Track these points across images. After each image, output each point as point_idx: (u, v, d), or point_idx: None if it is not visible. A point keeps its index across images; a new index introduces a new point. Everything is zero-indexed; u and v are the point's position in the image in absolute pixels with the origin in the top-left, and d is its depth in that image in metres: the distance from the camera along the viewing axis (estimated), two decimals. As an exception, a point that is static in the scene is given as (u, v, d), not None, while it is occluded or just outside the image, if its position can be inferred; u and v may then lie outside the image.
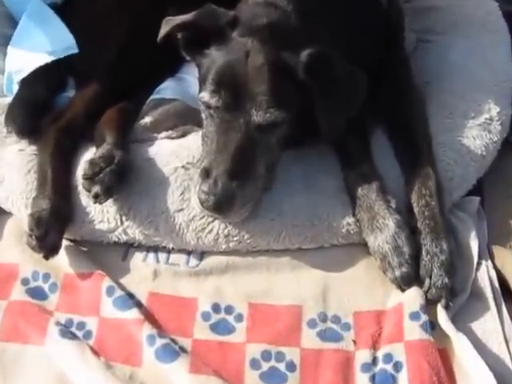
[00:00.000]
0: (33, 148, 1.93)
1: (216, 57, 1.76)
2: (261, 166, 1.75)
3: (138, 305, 1.73)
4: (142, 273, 1.81)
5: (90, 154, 1.89)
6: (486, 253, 1.84)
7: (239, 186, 1.68)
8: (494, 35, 2.27)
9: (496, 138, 1.99)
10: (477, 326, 1.69)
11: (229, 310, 1.73)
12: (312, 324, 1.70)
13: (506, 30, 2.30)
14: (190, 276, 1.80)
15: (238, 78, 1.71)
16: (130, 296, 1.75)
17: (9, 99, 2.01)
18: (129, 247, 1.86)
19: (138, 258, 1.84)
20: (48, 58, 1.95)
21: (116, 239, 1.84)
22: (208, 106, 1.75)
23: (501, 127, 2.01)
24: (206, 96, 1.74)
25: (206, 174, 1.70)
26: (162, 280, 1.79)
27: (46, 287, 1.78)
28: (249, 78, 1.70)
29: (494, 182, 2.04)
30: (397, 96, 2.00)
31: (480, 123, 1.99)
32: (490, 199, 2.01)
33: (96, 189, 1.74)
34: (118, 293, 1.73)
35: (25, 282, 1.79)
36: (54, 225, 1.75)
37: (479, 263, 1.80)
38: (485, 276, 1.77)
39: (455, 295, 1.71)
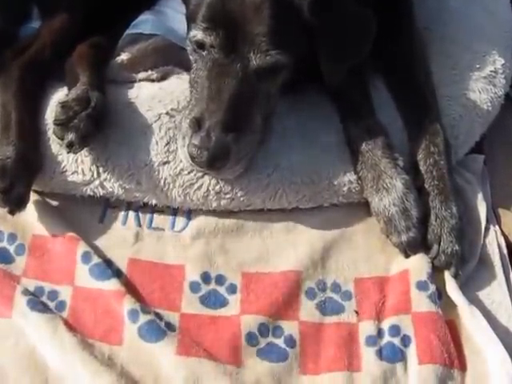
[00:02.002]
0: (-8, 86, 1.73)
1: None
2: (258, 116, 1.61)
3: (118, 273, 1.60)
4: (121, 236, 1.67)
5: (60, 95, 1.72)
6: (493, 217, 1.76)
7: (234, 140, 1.54)
8: (492, -20, 2.15)
9: (500, 92, 1.91)
10: (484, 296, 1.62)
11: (220, 280, 1.61)
12: (311, 294, 1.59)
13: (504, -23, 2.19)
14: (175, 240, 1.67)
15: (234, 16, 1.54)
16: (109, 263, 1.61)
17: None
18: (106, 207, 1.72)
19: (117, 219, 1.70)
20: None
21: (91, 193, 1.69)
22: (200, 46, 1.58)
23: (505, 81, 1.93)
24: (198, 34, 1.57)
25: (196, 124, 1.54)
26: (144, 244, 1.66)
27: (11, 249, 1.64)
28: (246, 17, 1.54)
29: (494, 139, 1.94)
30: (398, 42, 1.86)
31: (485, 75, 1.90)
32: (490, 158, 1.91)
33: (70, 136, 1.58)
34: (95, 260, 1.59)
35: (-13, 242, 1.64)
36: (20, 175, 1.59)
37: (487, 228, 1.72)
38: (493, 242, 1.71)
39: (465, 263, 1.63)
